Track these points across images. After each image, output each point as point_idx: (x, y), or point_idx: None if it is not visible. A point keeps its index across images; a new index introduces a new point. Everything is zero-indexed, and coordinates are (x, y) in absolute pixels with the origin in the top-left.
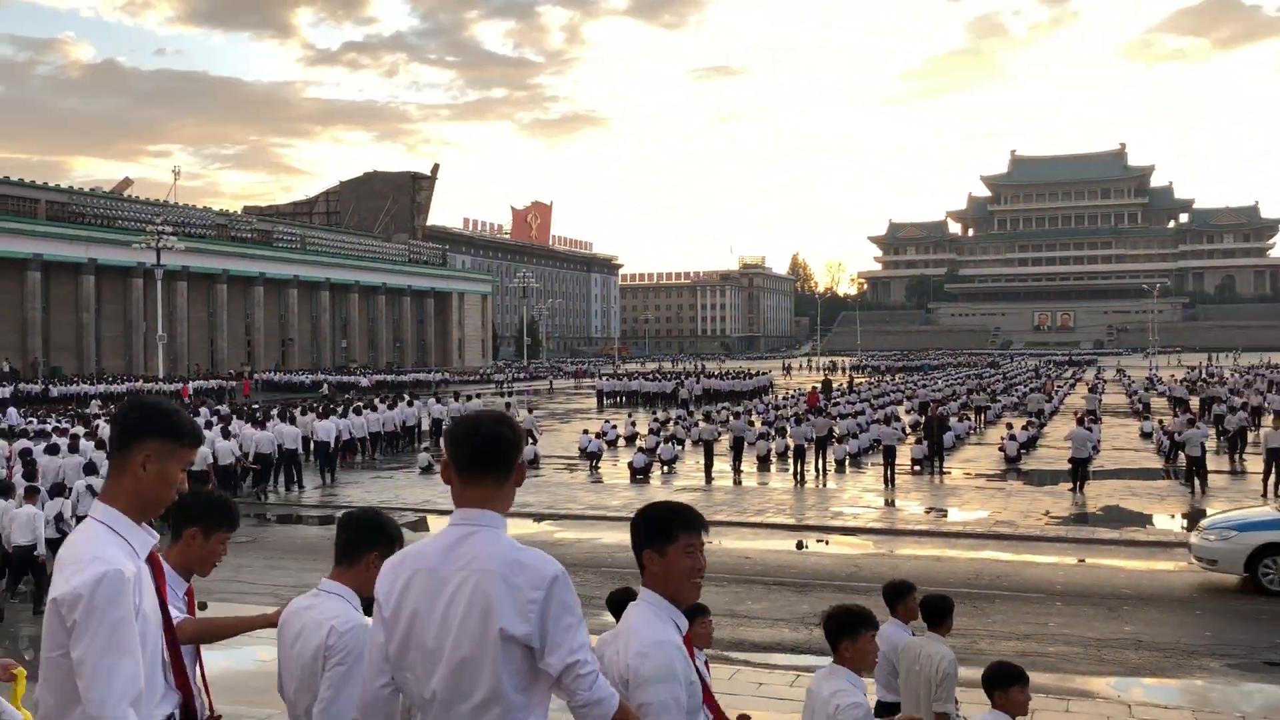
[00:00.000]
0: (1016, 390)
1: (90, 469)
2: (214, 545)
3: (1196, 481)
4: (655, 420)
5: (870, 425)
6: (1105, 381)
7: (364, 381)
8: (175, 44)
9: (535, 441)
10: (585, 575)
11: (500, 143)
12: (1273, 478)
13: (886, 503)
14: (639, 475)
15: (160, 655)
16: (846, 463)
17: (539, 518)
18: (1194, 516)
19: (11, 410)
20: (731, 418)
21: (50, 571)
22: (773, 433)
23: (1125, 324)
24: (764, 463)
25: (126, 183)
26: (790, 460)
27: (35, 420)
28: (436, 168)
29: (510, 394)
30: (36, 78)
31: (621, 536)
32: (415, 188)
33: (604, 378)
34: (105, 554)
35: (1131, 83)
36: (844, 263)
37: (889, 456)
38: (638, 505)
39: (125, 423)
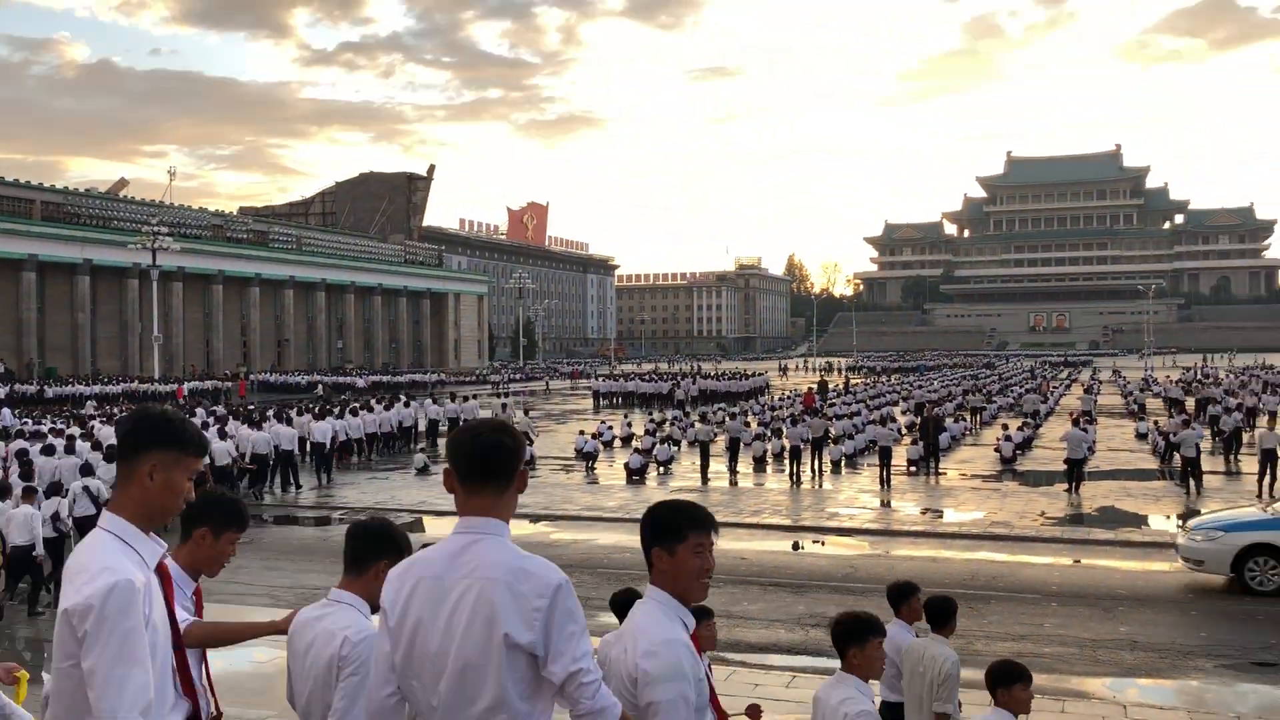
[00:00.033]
0: (1012, 391)
1: (87, 470)
2: (223, 546)
3: (1192, 482)
4: (651, 421)
5: (866, 426)
6: (1101, 382)
7: (360, 382)
8: (170, 44)
9: (531, 443)
10: (581, 576)
11: (496, 143)
12: (1267, 478)
13: (882, 504)
14: (635, 476)
15: (170, 665)
16: (842, 463)
17: (535, 519)
18: (1189, 517)
19: (5, 411)
20: (728, 418)
21: (47, 572)
22: (769, 433)
23: (1121, 325)
24: (760, 463)
25: (122, 183)
26: (786, 461)
27: (30, 421)
28: (432, 168)
29: (506, 395)
30: (31, 78)
31: (617, 537)
32: (411, 188)
33: (600, 378)
34: (115, 564)
35: (1127, 84)
36: (840, 263)
37: (885, 457)
38: (634, 506)
39: (131, 433)
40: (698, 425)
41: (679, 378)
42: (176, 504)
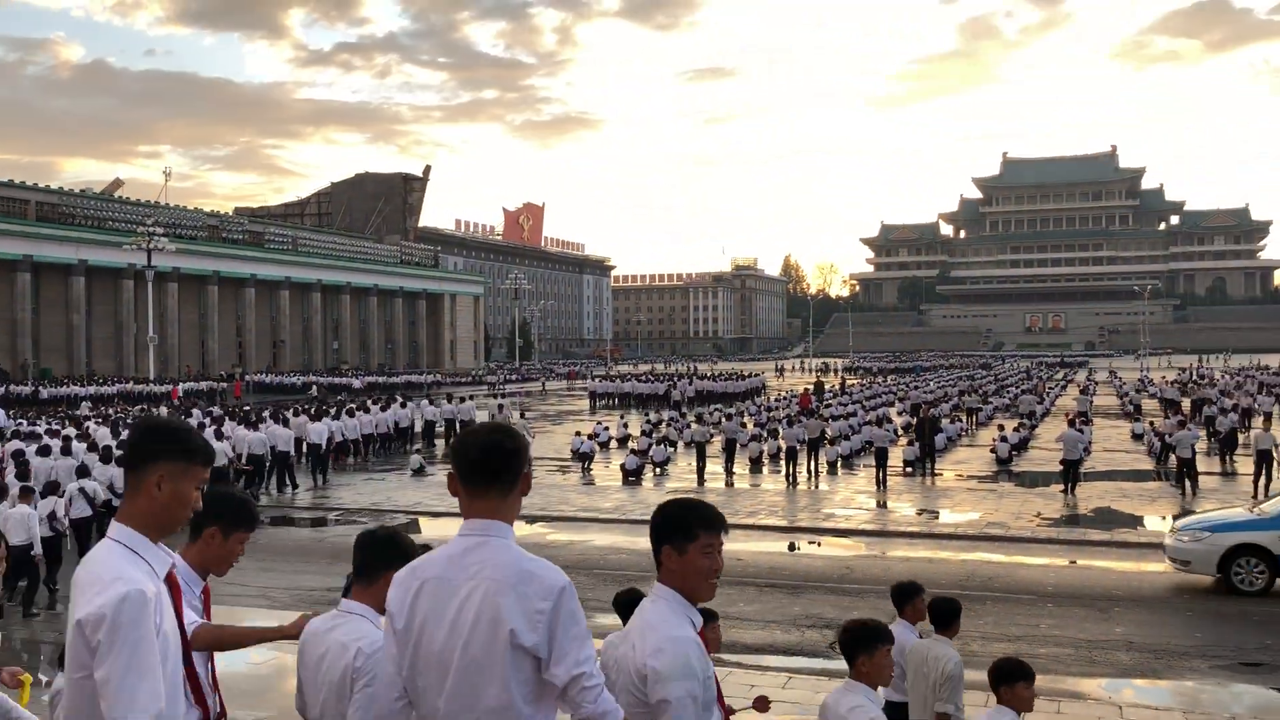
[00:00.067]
0: (1008, 392)
1: (83, 472)
2: (232, 545)
3: (1187, 483)
4: (647, 422)
5: (862, 427)
6: (1096, 383)
7: (356, 383)
8: (166, 44)
9: (528, 444)
10: (577, 577)
11: (492, 144)
12: (1263, 479)
13: (878, 504)
14: (631, 477)
15: (180, 674)
16: (838, 464)
17: (531, 519)
18: (1183, 519)
19: (0, 412)
20: (724, 419)
21: (44, 573)
22: (765, 434)
23: (1116, 325)
24: (756, 464)
25: (117, 184)
26: (782, 462)
27: (25, 423)
28: (428, 169)
29: (503, 396)
30: (26, 78)
31: (614, 538)
32: (407, 189)
33: (596, 379)
34: (127, 574)
35: (1123, 85)
36: (836, 264)
37: (881, 458)
38: (630, 508)
39: (138, 443)
40: (694, 426)
41: (675, 378)
42: (185, 514)
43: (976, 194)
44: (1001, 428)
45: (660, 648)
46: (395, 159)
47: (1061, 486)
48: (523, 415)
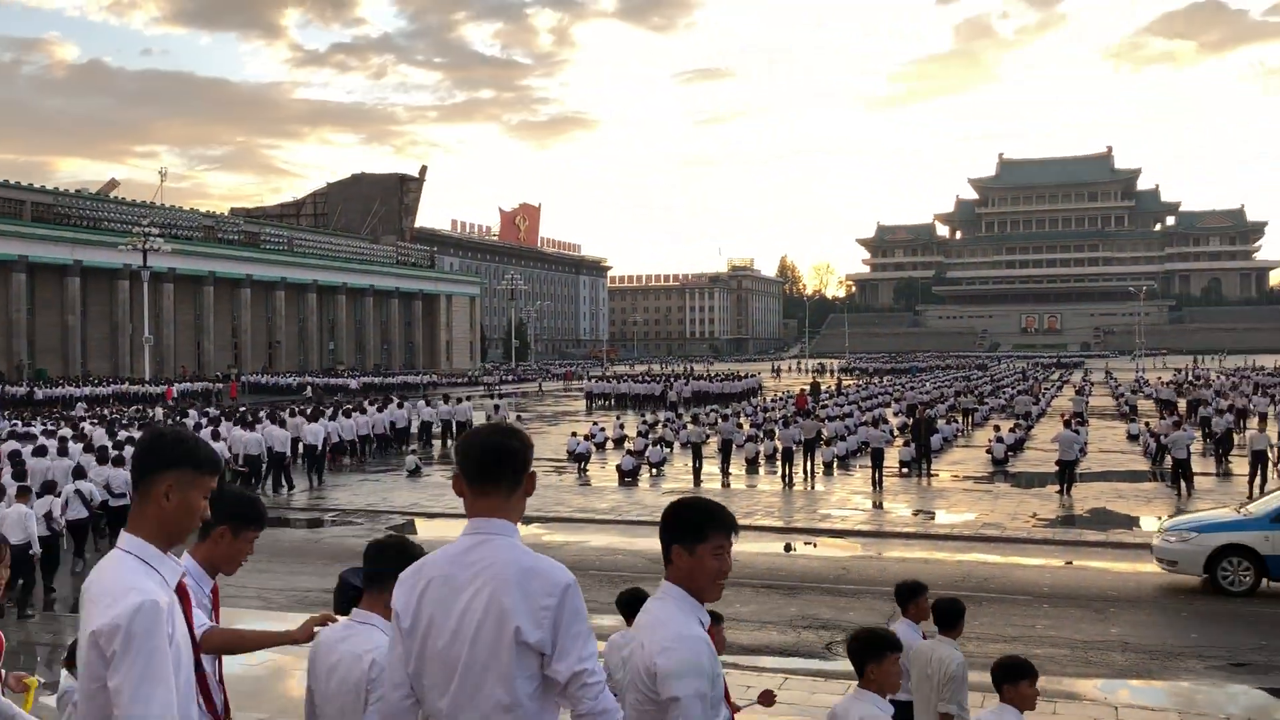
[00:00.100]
0: (1004, 392)
1: (79, 474)
2: (241, 544)
3: (1182, 484)
4: (644, 422)
5: (858, 428)
6: (1092, 384)
7: (352, 384)
8: (161, 44)
9: None
10: None
11: (488, 144)
12: (1258, 480)
13: (874, 505)
14: (627, 478)
15: (192, 683)
16: (834, 465)
17: (526, 520)
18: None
19: None
20: (720, 420)
21: (40, 574)
22: (761, 435)
23: (1112, 326)
24: (752, 465)
25: (112, 184)
26: (779, 462)
27: (19, 424)
28: (424, 169)
29: (499, 396)
30: (21, 78)
31: (610, 539)
32: (403, 189)
33: (592, 380)
34: (140, 584)
35: (1119, 85)
36: (832, 265)
37: (877, 459)
38: (626, 508)
39: (146, 454)
40: (690, 427)
41: (671, 379)
42: (193, 523)
43: (972, 195)
44: (997, 428)
45: (668, 645)
46: (391, 159)
47: (1057, 487)
48: (519, 416)
